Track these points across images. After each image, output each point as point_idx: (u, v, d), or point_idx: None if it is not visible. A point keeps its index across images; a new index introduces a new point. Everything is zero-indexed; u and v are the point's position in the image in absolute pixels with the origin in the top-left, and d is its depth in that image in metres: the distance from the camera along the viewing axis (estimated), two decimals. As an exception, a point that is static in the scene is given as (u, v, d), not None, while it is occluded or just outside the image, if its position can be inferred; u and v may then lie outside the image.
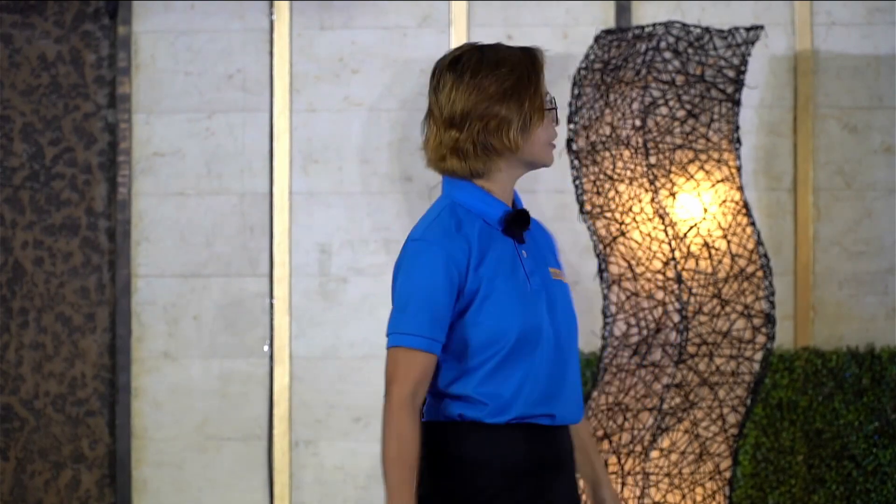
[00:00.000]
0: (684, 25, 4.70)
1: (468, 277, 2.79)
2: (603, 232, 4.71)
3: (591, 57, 4.81)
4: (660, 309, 4.64)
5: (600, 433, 4.63)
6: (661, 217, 4.65)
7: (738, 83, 4.74)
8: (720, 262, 4.66)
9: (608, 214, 4.70)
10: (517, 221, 2.85)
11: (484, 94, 2.82)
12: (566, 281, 2.94)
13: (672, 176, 4.68)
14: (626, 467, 4.64)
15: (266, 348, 5.62)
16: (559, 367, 2.85)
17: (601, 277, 4.70)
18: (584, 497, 2.99)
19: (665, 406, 4.64)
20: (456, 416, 2.82)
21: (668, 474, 4.67)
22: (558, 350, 2.85)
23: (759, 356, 4.67)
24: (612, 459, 4.64)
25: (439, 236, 2.80)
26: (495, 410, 2.81)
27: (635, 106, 4.69)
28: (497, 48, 2.87)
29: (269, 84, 5.66)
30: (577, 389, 2.90)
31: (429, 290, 2.78)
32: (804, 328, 5.49)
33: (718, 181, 4.71)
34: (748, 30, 4.77)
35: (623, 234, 4.68)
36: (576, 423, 2.91)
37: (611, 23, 5.53)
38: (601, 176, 4.71)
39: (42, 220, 5.72)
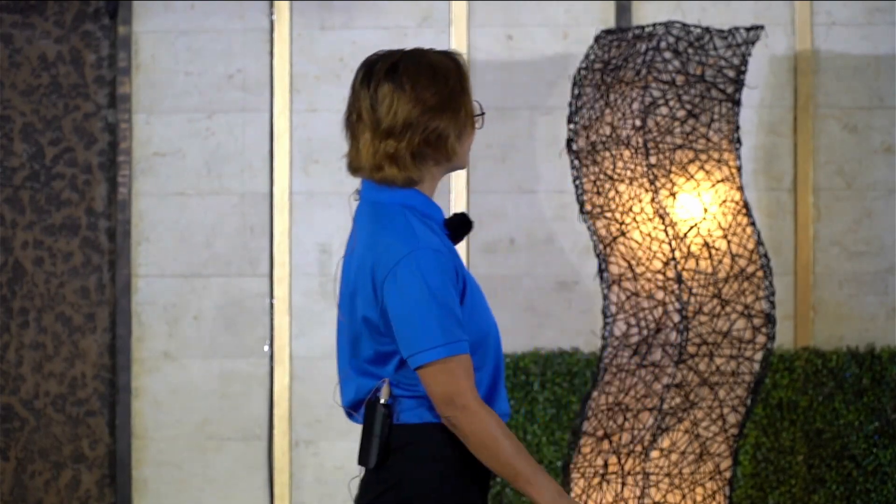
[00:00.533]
0: (684, 25, 4.70)
1: (458, 277, 2.78)
2: (603, 232, 4.71)
3: (592, 57, 4.81)
4: (660, 309, 4.64)
5: (600, 433, 4.63)
6: (662, 217, 4.65)
7: (739, 83, 4.74)
8: (720, 262, 4.66)
9: (608, 214, 4.70)
10: (464, 226, 2.86)
11: (425, 106, 2.78)
12: None
13: (672, 176, 4.68)
14: (627, 467, 4.64)
15: (266, 348, 5.62)
16: (503, 366, 2.89)
17: (601, 277, 4.70)
18: None
19: (665, 406, 4.64)
20: (433, 420, 2.78)
21: (668, 474, 4.67)
22: (501, 349, 2.88)
23: (759, 356, 4.67)
24: (613, 459, 4.64)
25: (431, 241, 2.76)
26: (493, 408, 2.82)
27: (635, 106, 4.69)
28: (425, 55, 2.83)
29: (270, 84, 5.66)
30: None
31: (446, 293, 2.73)
32: (804, 328, 5.49)
33: (719, 181, 4.71)
34: (748, 30, 4.77)
35: (623, 234, 4.68)
36: None
37: (611, 23, 5.53)
38: (601, 176, 4.71)
39: (42, 220, 5.73)
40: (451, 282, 2.73)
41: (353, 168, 2.83)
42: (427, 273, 2.72)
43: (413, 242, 2.75)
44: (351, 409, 2.85)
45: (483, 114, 2.86)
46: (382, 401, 2.79)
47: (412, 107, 2.78)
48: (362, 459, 2.80)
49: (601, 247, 4.72)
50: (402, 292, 2.72)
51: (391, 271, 2.74)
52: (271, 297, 5.62)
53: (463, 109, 2.81)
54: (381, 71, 2.81)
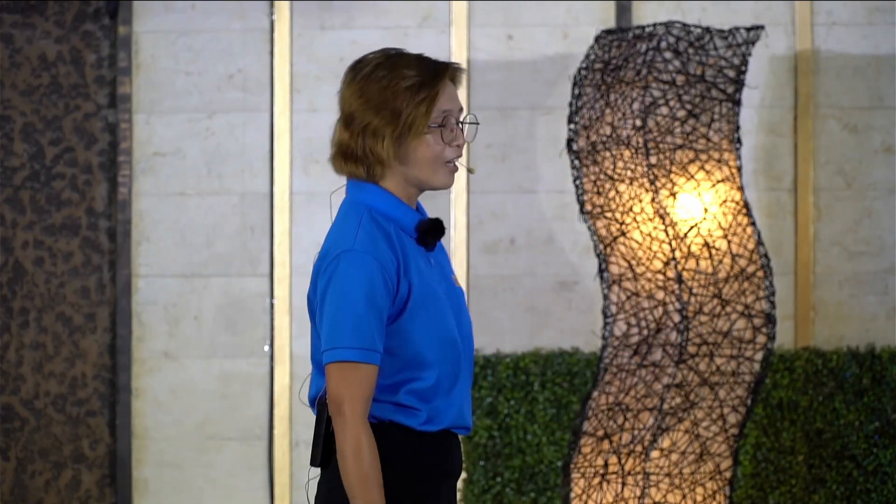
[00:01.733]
0: (685, 25, 4.70)
1: (399, 285, 2.74)
2: (603, 232, 4.71)
3: (592, 57, 4.81)
4: (660, 309, 4.64)
5: (601, 433, 4.63)
6: (662, 217, 4.65)
7: (739, 83, 4.74)
8: (720, 262, 4.66)
9: (608, 214, 4.70)
10: (433, 231, 2.82)
11: (365, 99, 2.76)
12: (460, 286, 2.90)
13: (672, 176, 4.68)
14: (627, 467, 4.64)
15: (266, 348, 5.62)
16: (467, 375, 2.83)
17: (601, 277, 4.70)
18: None
19: (665, 406, 4.64)
20: (386, 420, 2.76)
21: (668, 474, 4.67)
22: (466, 358, 2.82)
23: (759, 356, 4.67)
24: (613, 459, 4.64)
25: (369, 245, 2.73)
26: (426, 419, 2.77)
27: (636, 106, 4.69)
28: (406, 57, 2.79)
29: (270, 84, 5.66)
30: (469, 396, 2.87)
31: (369, 301, 2.69)
32: (804, 328, 5.49)
33: (719, 181, 4.71)
34: (749, 30, 4.77)
35: (623, 234, 4.68)
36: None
37: (611, 23, 5.53)
38: (601, 176, 4.71)
39: (42, 220, 5.73)
40: (379, 290, 2.70)
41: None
42: (354, 276, 2.70)
43: (349, 243, 2.73)
44: (312, 407, 2.85)
45: (446, 126, 2.78)
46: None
47: (356, 97, 2.77)
48: (312, 459, 2.80)
49: (601, 247, 4.72)
50: (328, 289, 2.72)
51: (325, 268, 2.74)
52: (271, 297, 5.62)
53: (408, 113, 2.74)
54: (353, 62, 2.82)
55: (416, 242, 2.81)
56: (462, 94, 5.62)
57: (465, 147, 2.86)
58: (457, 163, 2.87)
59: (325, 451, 2.77)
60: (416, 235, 2.81)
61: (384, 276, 2.71)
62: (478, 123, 2.84)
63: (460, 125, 2.82)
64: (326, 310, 2.72)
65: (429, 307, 2.76)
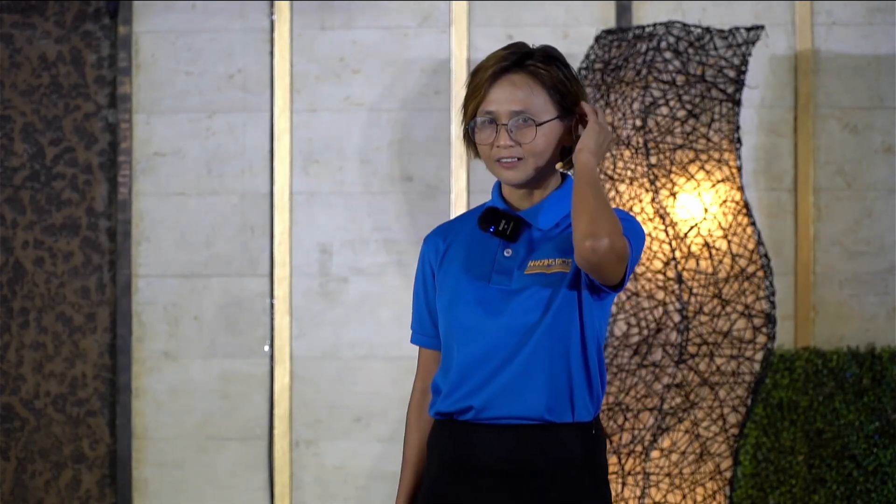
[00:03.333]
0: (685, 25, 4.70)
1: (437, 274, 2.93)
2: (603, 232, 4.70)
3: (592, 57, 4.81)
4: (660, 309, 4.64)
5: (601, 433, 4.63)
6: (662, 217, 4.65)
7: (739, 83, 4.74)
8: (721, 262, 4.66)
9: (609, 214, 4.69)
10: (482, 220, 2.91)
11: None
12: (552, 271, 2.83)
13: (672, 176, 4.68)
14: (627, 467, 4.64)
15: (266, 348, 5.62)
16: (493, 363, 2.81)
17: (602, 277, 4.69)
18: None
19: (665, 406, 4.64)
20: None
21: (668, 474, 4.67)
22: (496, 348, 2.81)
23: (759, 356, 4.67)
24: (613, 459, 4.64)
25: (433, 234, 2.97)
26: (434, 403, 2.91)
27: (636, 106, 4.69)
28: (486, 60, 2.90)
29: (270, 84, 5.66)
30: (518, 387, 2.82)
31: (418, 286, 2.97)
32: (805, 328, 5.49)
33: (719, 181, 4.71)
34: (749, 30, 4.77)
35: (624, 234, 4.67)
36: (517, 422, 2.83)
37: (611, 23, 5.53)
38: (602, 176, 4.72)
39: (42, 220, 5.72)
40: (425, 276, 2.95)
41: None
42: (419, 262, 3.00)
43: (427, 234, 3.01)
44: None
45: (471, 128, 2.89)
46: None
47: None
48: None
49: (601, 247, 4.71)
50: None
51: None
52: (271, 297, 5.62)
53: (462, 117, 2.93)
54: None
55: (482, 230, 2.92)
56: (463, 94, 5.63)
57: (530, 145, 2.88)
58: (528, 156, 2.89)
59: None
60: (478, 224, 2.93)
61: (426, 263, 2.95)
62: (536, 124, 2.86)
63: (507, 125, 2.86)
64: None
65: (444, 297, 2.89)
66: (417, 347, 2.97)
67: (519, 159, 2.87)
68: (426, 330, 2.94)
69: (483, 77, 2.85)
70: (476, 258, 2.87)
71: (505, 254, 2.86)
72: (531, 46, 2.89)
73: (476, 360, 2.83)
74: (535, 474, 2.79)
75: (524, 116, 2.85)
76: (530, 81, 2.85)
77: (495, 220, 2.89)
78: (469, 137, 2.91)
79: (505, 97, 2.85)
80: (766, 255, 4.70)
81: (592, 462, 2.83)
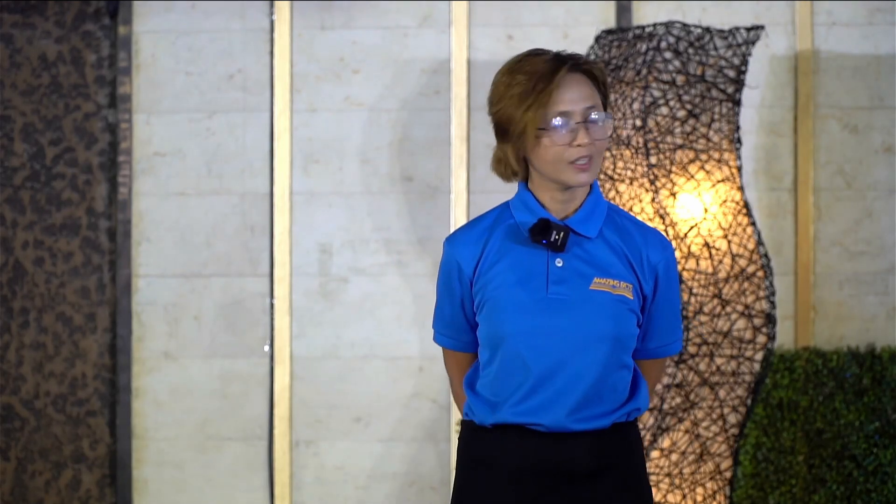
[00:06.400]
0: (685, 25, 4.70)
1: (475, 281, 2.87)
2: (603, 232, 4.71)
3: (592, 57, 4.81)
4: (660, 309, 4.64)
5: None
6: (662, 217, 4.65)
7: (739, 83, 4.74)
8: (721, 262, 4.66)
9: (609, 214, 4.70)
10: (535, 231, 2.85)
11: (491, 105, 2.87)
12: (617, 293, 2.88)
13: (673, 176, 4.68)
14: (627, 467, 4.64)
15: (266, 348, 5.62)
16: (565, 377, 2.83)
17: (602, 277, 4.69)
18: None
19: (666, 406, 4.64)
20: (466, 416, 2.93)
21: (668, 474, 4.67)
22: (568, 360, 2.83)
23: (759, 356, 4.67)
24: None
25: (458, 238, 2.90)
26: (481, 413, 2.88)
27: (636, 106, 4.69)
28: (531, 60, 2.83)
29: (270, 84, 5.66)
30: (578, 399, 2.86)
31: (444, 289, 2.93)
32: (805, 328, 5.49)
33: (719, 181, 4.71)
34: (749, 30, 4.77)
35: (624, 234, 4.68)
36: (572, 432, 2.88)
37: (611, 23, 5.53)
38: (602, 176, 4.72)
39: (42, 220, 5.72)
40: (454, 280, 2.89)
41: None
42: (441, 266, 2.95)
43: (453, 234, 2.95)
44: None
45: (563, 126, 2.81)
46: None
47: (489, 104, 2.88)
48: None
49: (601, 247, 4.72)
50: None
51: None
52: (271, 297, 5.62)
53: (517, 117, 2.81)
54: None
55: (532, 241, 2.88)
56: (463, 93, 5.63)
57: (602, 142, 2.86)
58: (596, 155, 2.86)
59: None
60: (528, 235, 2.88)
61: (459, 270, 2.89)
62: (612, 117, 2.86)
63: (585, 123, 2.82)
64: None
65: (493, 305, 2.86)
66: (437, 348, 3.01)
67: (590, 159, 2.85)
68: (460, 336, 2.93)
69: (550, 74, 2.80)
70: (525, 268, 2.85)
71: (556, 264, 2.85)
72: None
73: (548, 371, 2.83)
74: (599, 474, 2.88)
75: (596, 112, 2.83)
76: (588, 80, 2.85)
77: (548, 232, 2.85)
78: (516, 148, 2.83)
79: (576, 95, 2.81)
80: (766, 255, 4.70)
81: (634, 459, 2.95)
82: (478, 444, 2.88)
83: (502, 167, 2.90)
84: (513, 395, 2.84)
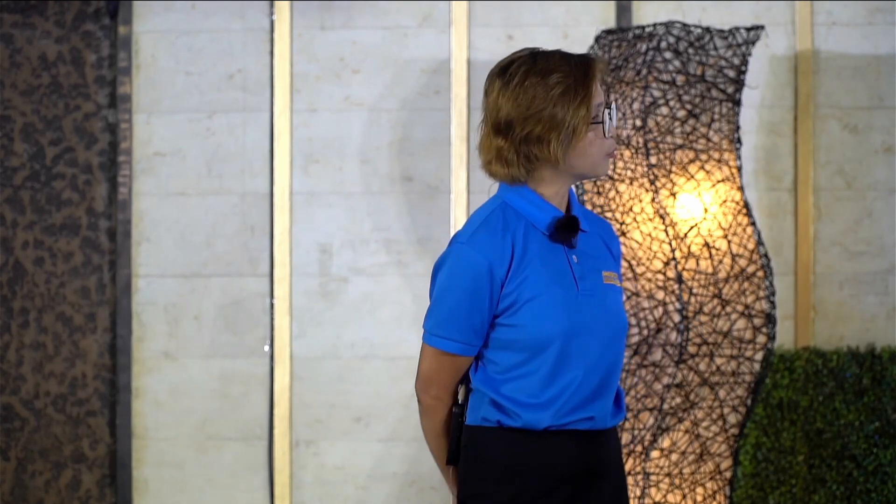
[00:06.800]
0: (685, 25, 4.70)
1: (507, 283, 2.81)
2: (603, 232, 4.71)
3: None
4: (660, 309, 4.64)
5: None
6: (662, 217, 4.65)
7: (739, 83, 4.74)
8: (721, 262, 4.66)
9: (609, 214, 4.70)
10: (565, 228, 2.85)
11: (526, 104, 2.81)
12: (619, 284, 2.93)
13: (673, 176, 4.68)
14: (627, 467, 4.64)
15: (266, 348, 5.62)
16: (601, 373, 2.85)
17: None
18: None
19: (666, 406, 4.64)
20: (493, 423, 2.85)
21: (668, 474, 4.67)
22: (603, 356, 2.85)
23: (759, 356, 4.67)
24: (613, 459, 4.64)
25: (483, 242, 2.82)
26: (532, 417, 2.82)
27: (636, 106, 4.69)
28: (550, 56, 2.83)
29: (270, 84, 5.66)
30: (615, 394, 2.90)
31: (467, 294, 2.81)
32: (805, 328, 5.49)
33: (719, 181, 4.71)
34: (749, 30, 4.77)
35: (623, 233, 4.68)
36: (610, 427, 2.91)
37: (611, 23, 5.53)
38: (602, 176, 4.71)
39: (42, 220, 5.72)
40: (481, 287, 2.81)
41: (481, 163, 2.93)
42: (458, 269, 2.82)
43: (466, 236, 2.84)
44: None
45: (603, 121, 2.83)
46: (459, 401, 2.92)
47: (513, 106, 2.81)
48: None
49: (601, 247, 4.71)
50: (439, 274, 2.87)
51: (445, 250, 2.88)
52: (271, 297, 5.62)
53: (572, 113, 2.79)
54: (498, 68, 2.86)
55: (550, 240, 2.85)
56: (463, 93, 5.63)
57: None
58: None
59: (453, 449, 2.91)
60: (550, 234, 2.85)
61: (490, 274, 2.80)
62: (616, 108, 2.89)
63: (610, 112, 2.85)
64: (433, 292, 2.87)
65: (534, 305, 2.81)
66: (441, 351, 2.86)
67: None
68: (474, 340, 2.83)
69: (587, 70, 2.81)
70: (554, 266, 2.84)
71: (574, 260, 2.86)
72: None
73: (593, 368, 2.83)
74: (612, 472, 2.90)
75: (608, 103, 2.86)
76: None
77: (575, 229, 2.86)
78: (566, 140, 2.81)
79: (600, 89, 2.84)
80: (766, 255, 4.69)
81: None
82: (525, 450, 2.82)
83: (510, 168, 2.86)
84: (561, 396, 2.81)
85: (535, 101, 2.80)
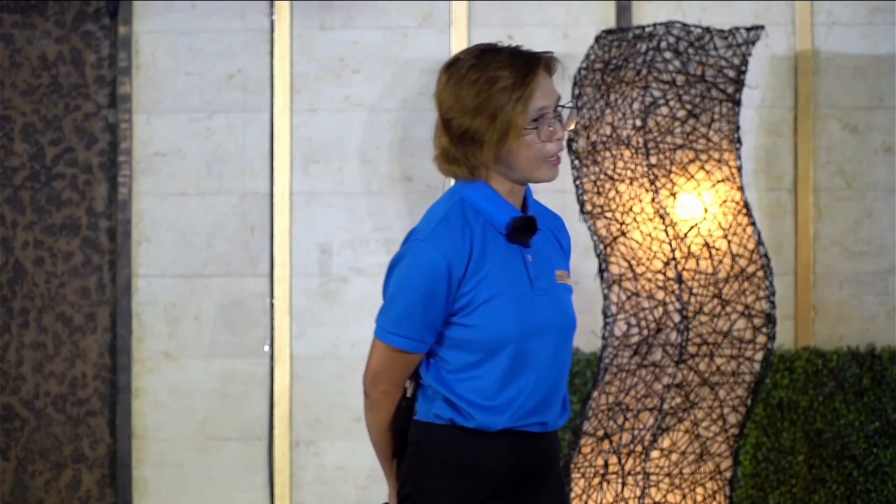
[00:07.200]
0: (685, 25, 4.70)
1: (465, 282, 2.76)
2: (603, 232, 4.71)
3: (592, 57, 4.81)
4: (660, 309, 4.64)
5: (601, 433, 4.63)
6: (662, 217, 4.65)
7: (739, 83, 4.74)
8: (721, 262, 4.66)
9: (609, 214, 4.70)
10: (523, 229, 2.81)
11: (461, 103, 2.75)
12: (570, 283, 2.90)
13: (672, 176, 4.68)
14: (627, 467, 4.64)
15: (266, 348, 5.62)
16: (554, 374, 2.83)
17: (601, 277, 4.70)
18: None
19: (666, 406, 4.64)
20: (446, 420, 2.81)
21: (668, 474, 4.67)
22: (555, 358, 2.83)
23: (759, 356, 4.67)
24: (613, 459, 4.64)
25: (443, 241, 2.76)
26: (487, 419, 2.79)
27: (636, 106, 4.69)
28: (499, 52, 2.76)
29: (270, 84, 5.66)
30: (563, 394, 2.88)
31: (424, 293, 2.76)
32: (805, 328, 5.49)
33: (719, 181, 4.71)
34: (749, 30, 4.77)
35: (623, 234, 4.68)
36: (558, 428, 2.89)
37: (611, 23, 5.53)
38: (602, 176, 4.71)
39: (43, 220, 5.72)
40: (439, 285, 2.75)
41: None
42: (416, 267, 2.76)
43: (425, 234, 2.78)
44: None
45: (544, 124, 2.76)
46: (408, 395, 2.87)
47: (452, 102, 2.76)
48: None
49: (601, 247, 4.72)
50: (395, 271, 2.81)
51: (401, 248, 2.83)
52: (271, 297, 5.62)
53: (503, 115, 2.72)
54: (447, 62, 2.80)
55: (507, 240, 2.81)
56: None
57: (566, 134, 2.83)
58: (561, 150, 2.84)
59: (400, 443, 2.87)
60: (508, 234, 2.80)
61: (449, 273, 2.75)
62: (576, 108, 2.81)
63: (558, 116, 2.78)
64: (388, 288, 2.82)
65: (489, 306, 2.77)
66: (392, 348, 2.81)
67: (559, 153, 2.82)
68: (425, 338, 2.79)
69: (530, 69, 2.74)
70: (510, 265, 2.79)
71: (529, 258, 2.82)
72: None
73: (548, 369, 2.81)
74: (554, 471, 2.89)
75: (560, 104, 2.79)
76: (549, 74, 2.81)
77: (534, 230, 2.81)
78: (501, 140, 2.74)
79: (549, 88, 2.77)
80: (766, 255, 4.69)
81: None
82: (478, 450, 2.79)
83: (453, 166, 2.80)
84: (516, 400, 2.79)
85: (473, 97, 2.73)
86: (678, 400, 4.63)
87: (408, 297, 2.76)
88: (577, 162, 4.75)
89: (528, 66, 2.74)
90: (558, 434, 2.89)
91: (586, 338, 5.49)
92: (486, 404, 2.78)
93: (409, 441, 2.84)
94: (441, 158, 2.82)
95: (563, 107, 2.79)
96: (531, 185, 2.90)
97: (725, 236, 4.67)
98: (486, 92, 2.73)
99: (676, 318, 4.62)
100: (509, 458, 2.80)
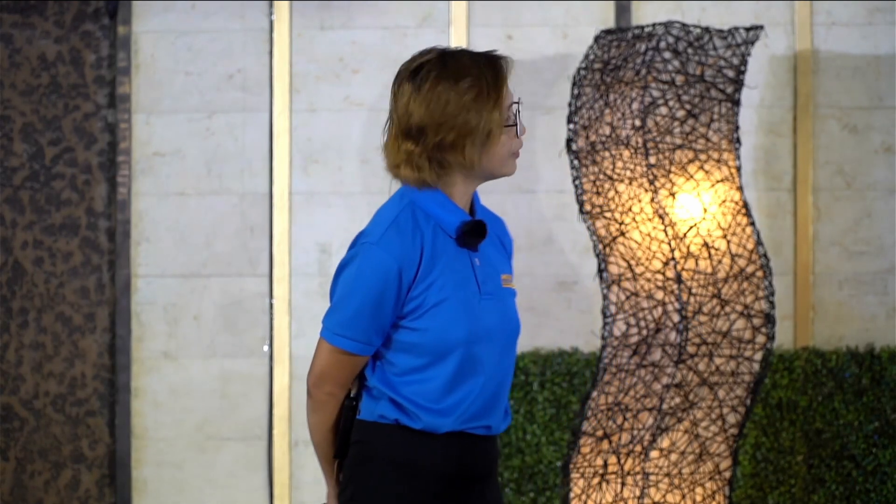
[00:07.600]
0: (684, 25, 4.70)
1: (414, 286, 2.78)
2: (602, 232, 4.71)
3: (591, 57, 4.81)
4: (659, 309, 4.64)
5: (600, 433, 4.63)
6: (661, 217, 4.65)
7: (738, 83, 4.74)
8: (720, 262, 4.66)
9: (608, 214, 4.70)
10: (473, 233, 2.82)
11: (439, 111, 2.77)
12: (514, 287, 2.92)
13: (672, 176, 4.68)
14: (626, 467, 4.64)
15: (266, 348, 5.62)
16: (499, 378, 2.85)
17: (601, 277, 4.70)
18: None
19: (665, 406, 4.64)
20: (391, 420, 2.81)
21: (667, 474, 4.67)
22: (500, 362, 2.84)
23: (758, 356, 4.67)
24: (612, 459, 4.64)
25: (394, 244, 2.77)
26: (433, 421, 2.80)
27: (635, 106, 4.68)
28: (460, 57, 2.80)
29: (269, 84, 5.66)
30: (506, 398, 2.89)
31: (374, 296, 2.76)
32: (804, 328, 5.49)
33: (718, 181, 4.71)
34: (748, 30, 4.77)
35: (623, 234, 4.68)
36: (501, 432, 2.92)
37: (611, 23, 5.53)
38: (601, 176, 4.71)
39: (42, 220, 5.73)
40: (389, 288, 2.76)
41: (385, 165, 2.88)
42: (367, 270, 2.77)
43: (376, 237, 2.78)
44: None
45: (515, 123, 2.81)
46: (352, 395, 2.86)
47: (426, 108, 2.77)
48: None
49: (601, 247, 4.72)
50: (344, 272, 2.81)
51: (350, 249, 2.82)
52: (271, 297, 5.62)
53: (486, 116, 2.77)
54: (406, 71, 2.81)
55: (457, 244, 2.82)
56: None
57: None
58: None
59: (342, 443, 2.86)
60: (457, 237, 2.82)
61: (399, 276, 2.76)
62: (520, 102, 2.87)
63: (519, 111, 2.84)
64: (336, 289, 2.81)
65: (438, 310, 2.78)
66: (339, 349, 2.80)
67: None
68: (373, 340, 2.79)
69: (496, 73, 2.79)
70: (458, 270, 2.81)
71: (476, 262, 2.84)
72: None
73: (494, 373, 2.83)
74: (493, 474, 2.92)
75: (516, 100, 2.84)
76: None
77: (483, 234, 2.83)
78: (482, 144, 2.78)
79: (510, 89, 2.83)
80: (765, 255, 4.69)
81: None
82: (423, 451, 2.80)
83: (421, 173, 2.80)
84: (462, 403, 2.80)
85: (448, 108, 2.76)
86: (677, 400, 4.63)
87: (357, 299, 2.77)
88: (576, 162, 4.75)
89: (494, 70, 2.80)
90: (498, 439, 2.91)
91: (586, 338, 5.49)
92: (432, 407, 2.79)
93: (351, 441, 2.85)
94: (406, 166, 2.82)
95: (520, 102, 2.85)
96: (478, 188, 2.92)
97: (725, 236, 4.67)
98: (459, 103, 2.77)
99: (676, 318, 4.62)
100: (454, 460, 2.81)
